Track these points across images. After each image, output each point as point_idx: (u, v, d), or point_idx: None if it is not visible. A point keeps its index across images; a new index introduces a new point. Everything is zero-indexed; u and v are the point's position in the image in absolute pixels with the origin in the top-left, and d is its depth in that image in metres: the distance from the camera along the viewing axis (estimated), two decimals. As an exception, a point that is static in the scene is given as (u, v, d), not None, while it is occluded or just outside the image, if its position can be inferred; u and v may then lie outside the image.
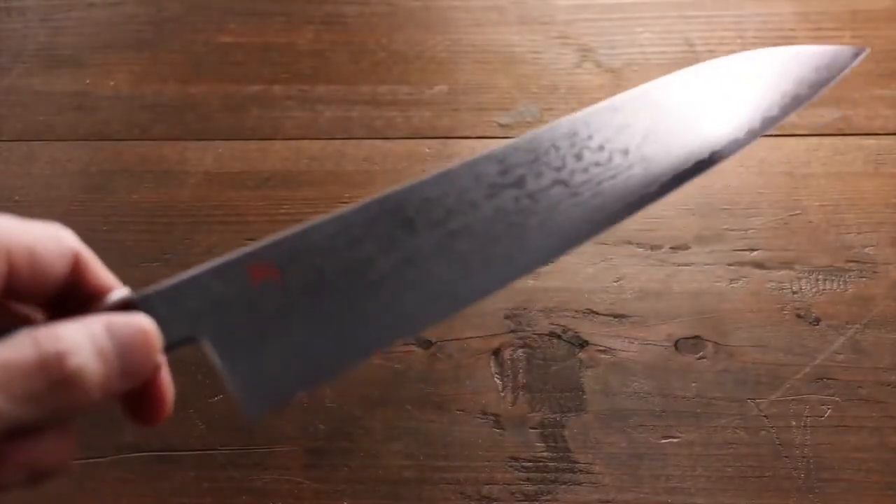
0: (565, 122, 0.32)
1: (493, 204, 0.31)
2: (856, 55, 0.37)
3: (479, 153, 0.31)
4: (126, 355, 0.24)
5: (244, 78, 0.60)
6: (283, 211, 0.53)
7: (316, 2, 0.64)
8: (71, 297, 0.26)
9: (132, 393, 0.25)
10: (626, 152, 0.32)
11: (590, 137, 0.32)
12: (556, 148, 0.32)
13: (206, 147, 0.56)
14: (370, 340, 0.29)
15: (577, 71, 0.59)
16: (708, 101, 0.34)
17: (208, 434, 0.45)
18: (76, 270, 0.26)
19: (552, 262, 0.31)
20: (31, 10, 0.64)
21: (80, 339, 0.23)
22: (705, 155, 0.33)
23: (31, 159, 0.56)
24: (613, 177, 0.32)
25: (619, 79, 0.59)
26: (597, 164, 0.32)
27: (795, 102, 0.36)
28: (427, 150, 0.56)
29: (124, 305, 0.26)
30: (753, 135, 0.34)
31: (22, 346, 0.22)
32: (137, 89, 0.59)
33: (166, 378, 0.27)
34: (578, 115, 0.33)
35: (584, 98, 0.58)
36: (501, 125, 0.57)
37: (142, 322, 0.24)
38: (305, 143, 0.56)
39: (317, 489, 0.43)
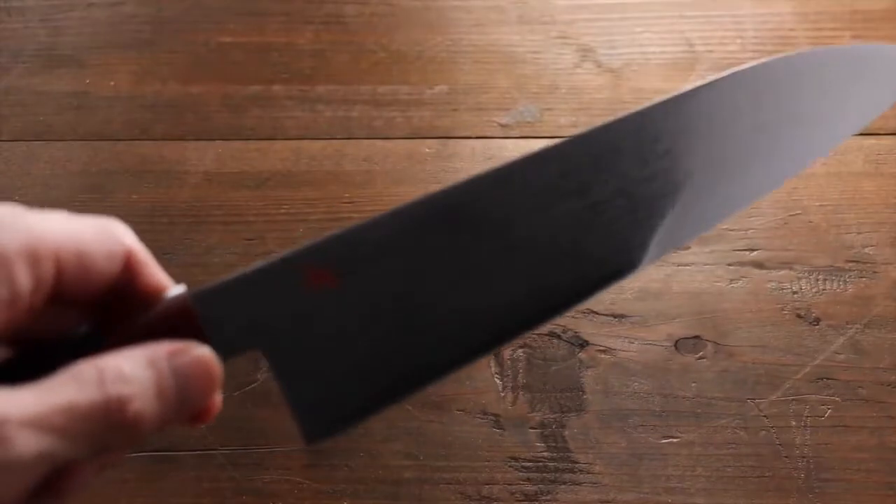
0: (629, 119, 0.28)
1: (553, 213, 0.27)
2: None
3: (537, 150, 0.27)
4: (186, 394, 0.23)
5: (244, 78, 0.60)
6: (283, 211, 0.53)
7: (316, 2, 0.64)
8: (122, 294, 0.25)
9: None
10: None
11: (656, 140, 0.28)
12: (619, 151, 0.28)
13: (206, 147, 0.56)
14: (433, 362, 0.27)
15: (577, 71, 0.59)
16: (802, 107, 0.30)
17: (208, 434, 0.45)
18: (128, 268, 0.25)
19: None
20: (32, 10, 0.64)
21: (145, 382, 0.22)
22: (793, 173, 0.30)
23: (31, 159, 0.56)
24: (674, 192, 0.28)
25: (619, 79, 0.59)
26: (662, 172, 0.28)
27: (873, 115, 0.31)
28: (427, 150, 0.56)
29: (180, 306, 0.25)
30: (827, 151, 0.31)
31: (88, 387, 0.21)
32: (137, 89, 0.59)
33: None
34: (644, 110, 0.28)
35: (583, 98, 0.58)
36: (501, 125, 0.57)
37: (206, 359, 0.24)
38: (305, 143, 0.56)
39: (317, 489, 0.43)
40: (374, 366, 0.26)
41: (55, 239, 0.22)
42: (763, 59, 0.30)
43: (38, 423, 0.20)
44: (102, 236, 0.24)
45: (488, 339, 0.27)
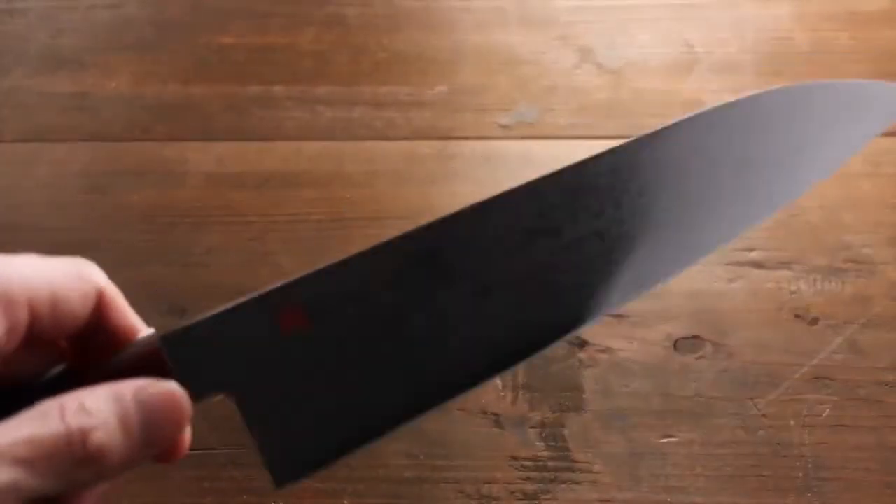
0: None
1: (528, 254, 0.27)
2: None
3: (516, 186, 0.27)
4: (152, 428, 0.23)
5: (245, 78, 0.60)
6: (283, 211, 0.53)
7: (317, 2, 0.64)
8: (95, 332, 0.25)
9: None
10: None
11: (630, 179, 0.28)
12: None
13: (207, 147, 0.56)
14: (402, 408, 0.26)
15: (577, 72, 0.60)
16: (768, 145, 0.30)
17: (209, 434, 0.45)
18: (100, 307, 0.25)
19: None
20: (34, 12, 0.65)
21: (107, 415, 0.22)
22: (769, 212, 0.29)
23: (32, 160, 0.56)
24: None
25: (619, 79, 0.59)
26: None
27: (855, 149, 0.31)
28: (427, 151, 0.56)
29: (149, 350, 0.25)
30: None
31: (49, 420, 0.21)
32: (138, 90, 0.60)
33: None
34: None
35: (584, 99, 0.58)
36: (502, 126, 0.57)
37: (171, 392, 0.24)
38: (305, 143, 0.56)
39: (317, 489, 0.43)
40: (345, 410, 0.26)
41: (28, 283, 0.23)
42: (738, 98, 0.30)
43: (2, 455, 0.20)
44: (75, 277, 0.24)
45: (463, 383, 0.27)
